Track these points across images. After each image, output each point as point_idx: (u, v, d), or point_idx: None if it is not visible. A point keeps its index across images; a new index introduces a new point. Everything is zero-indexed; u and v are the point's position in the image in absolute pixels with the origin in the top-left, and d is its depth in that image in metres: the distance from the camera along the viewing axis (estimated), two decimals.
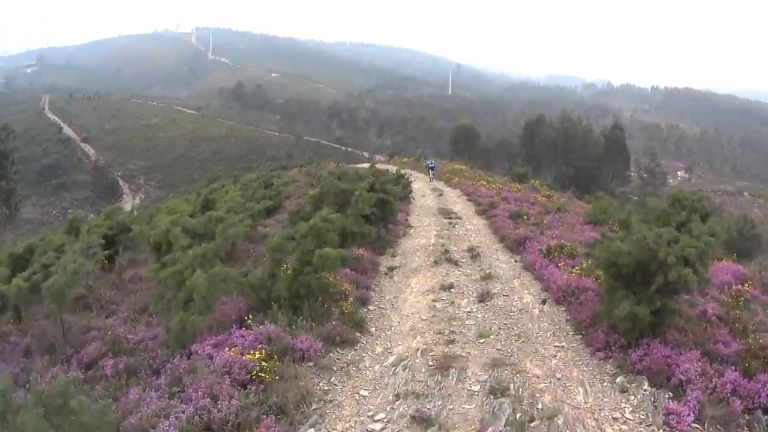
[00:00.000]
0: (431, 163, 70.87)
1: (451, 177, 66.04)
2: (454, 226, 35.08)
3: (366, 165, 78.74)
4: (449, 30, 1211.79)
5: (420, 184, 58.51)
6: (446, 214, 39.59)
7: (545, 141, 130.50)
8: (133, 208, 58.58)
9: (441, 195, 51.95)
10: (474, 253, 27.34)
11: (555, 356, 15.48)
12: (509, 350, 15.88)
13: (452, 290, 21.57)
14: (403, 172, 49.95)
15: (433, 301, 20.37)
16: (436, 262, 25.73)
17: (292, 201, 45.56)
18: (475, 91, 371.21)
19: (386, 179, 34.18)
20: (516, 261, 26.25)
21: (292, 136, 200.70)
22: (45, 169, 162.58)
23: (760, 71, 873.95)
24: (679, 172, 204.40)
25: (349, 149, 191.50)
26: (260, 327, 15.23)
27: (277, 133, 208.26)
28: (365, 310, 19.50)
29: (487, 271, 24.13)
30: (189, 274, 16.19)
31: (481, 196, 47.30)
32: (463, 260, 26.32)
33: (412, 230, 34.02)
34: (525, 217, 36.21)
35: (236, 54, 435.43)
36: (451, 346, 16.12)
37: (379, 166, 68.56)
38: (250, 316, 16.19)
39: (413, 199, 46.57)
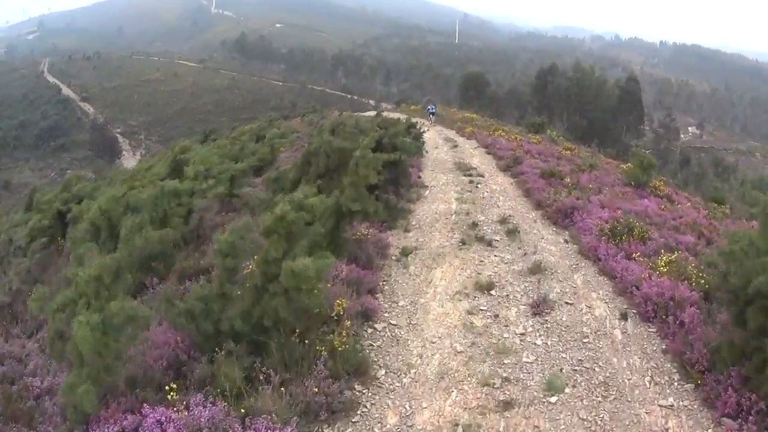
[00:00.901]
0: (432, 108, 71.04)
1: (464, 126, 59.87)
2: (477, 186, 28.72)
3: (372, 113, 73.78)
4: None
5: (432, 134, 52.23)
6: (465, 170, 33.55)
7: (558, 91, 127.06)
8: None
9: (456, 146, 45.93)
10: (509, 227, 20.58)
11: (667, 428, 9.48)
12: (598, 419, 9.71)
13: (492, 292, 14.80)
14: (413, 121, 43.42)
15: (469, 313, 13.65)
16: (463, 242, 18.98)
17: (289, 155, 40.24)
18: (482, 41, 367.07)
19: (396, 131, 27.74)
20: (566, 242, 19.61)
21: (296, 85, 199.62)
22: (43, 131, 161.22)
23: None
24: (690, 128, 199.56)
25: (355, 97, 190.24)
26: (190, 410, 8.97)
27: (281, 83, 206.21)
28: (369, 332, 12.84)
29: (534, 257, 17.35)
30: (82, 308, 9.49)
31: (501, 149, 41.73)
32: (498, 238, 19.52)
33: (427, 192, 27.55)
34: (559, 177, 29.83)
35: (240, 7, 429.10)
36: (507, 414, 9.86)
37: (386, 114, 64.19)
38: (173, 388, 9.40)
39: (426, 152, 39.92)
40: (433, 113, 68.68)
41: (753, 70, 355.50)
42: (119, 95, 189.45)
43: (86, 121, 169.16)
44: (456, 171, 33.59)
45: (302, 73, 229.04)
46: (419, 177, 30.60)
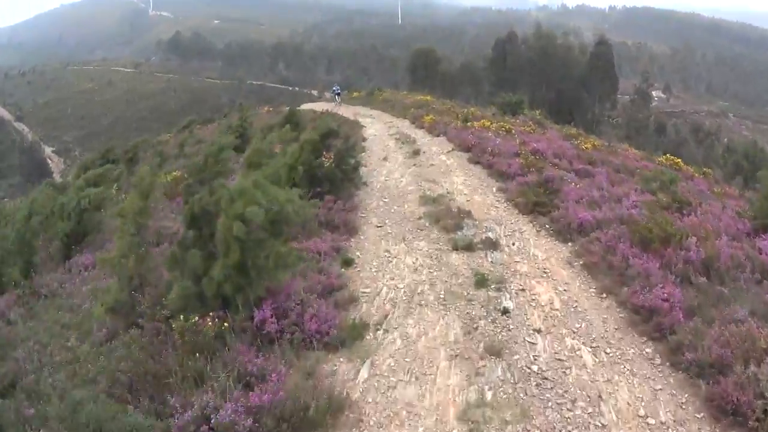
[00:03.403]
0: (337, 89, 68.55)
1: (420, 113, 42.35)
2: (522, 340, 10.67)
3: (311, 105, 66.30)
4: None
5: (377, 129, 38.76)
6: (453, 230, 16.35)
7: (519, 61, 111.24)
8: None
9: (417, 152, 28.39)
10: None
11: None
12: None
13: None
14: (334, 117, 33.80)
15: None
16: None
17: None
18: (426, 19, 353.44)
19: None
20: None
21: (234, 81, 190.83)
22: None
23: None
24: (654, 93, 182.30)
25: (296, 89, 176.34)
26: None
27: (218, 81, 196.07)
28: None
29: None
30: None
31: (496, 155, 24.91)
32: None
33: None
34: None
35: (178, 7, 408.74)
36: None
37: (312, 106, 60.52)
38: None
39: (364, 181, 22.81)
40: (338, 94, 66.70)
41: (711, 27, 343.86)
42: (52, 110, 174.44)
43: (27, 142, 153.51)
44: (435, 237, 16.33)
45: (240, 69, 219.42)
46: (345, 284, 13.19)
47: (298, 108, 59.65)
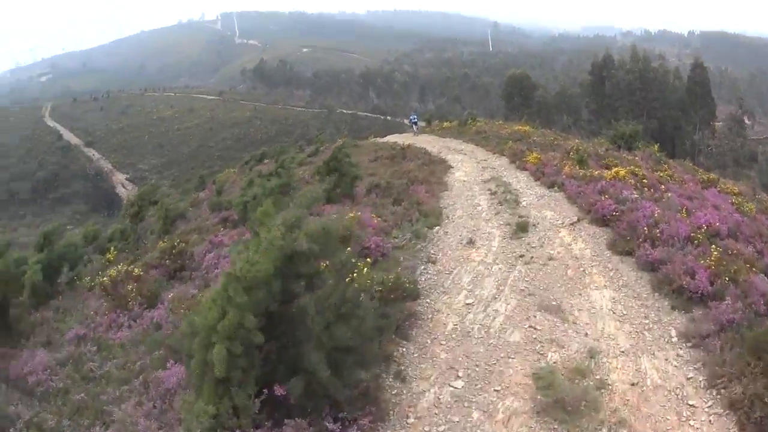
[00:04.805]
0: (414, 118, 67.16)
1: (520, 150, 33.67)
2: None
3: (396, 137, 58.90)
4: None
5: (466, 171, 30.52)
6: None
7: (618, 87, 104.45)
8: None
9: (524, 229, 19.10)
10: None
11: None
12: None
13: None
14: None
15: None
16: None
17: None
18: (516, 47, 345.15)
19: None
20: None
21: (323, 110, 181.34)
22: (40, 182, 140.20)
23: None
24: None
25: (388, 118, 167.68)
26: None
27: (306, 109, 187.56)
28: None
29: None
30: None
31: (656, 239, 16.19)
32: None
33: None
34: None
35: (265, 35, 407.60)
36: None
37: (398, 138, 55.57)
38: None
39: (424, 315, 13.62)
40: (415, 123, 65.10)
41: None
42: (127, 137, 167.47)
43: (91, 169, 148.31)
44: None
45: (329, 97, 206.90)
46: None
47: (381, 139, 58.85)
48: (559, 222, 19.23)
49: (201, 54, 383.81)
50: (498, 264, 15.87)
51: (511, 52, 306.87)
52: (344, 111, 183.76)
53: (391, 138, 58.96)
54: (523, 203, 22.01)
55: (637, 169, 26.08)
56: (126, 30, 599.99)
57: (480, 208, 22.07)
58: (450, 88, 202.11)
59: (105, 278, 18.15)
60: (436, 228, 19.61)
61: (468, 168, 31.17)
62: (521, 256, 16.39)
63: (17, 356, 14.64)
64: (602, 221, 18.31)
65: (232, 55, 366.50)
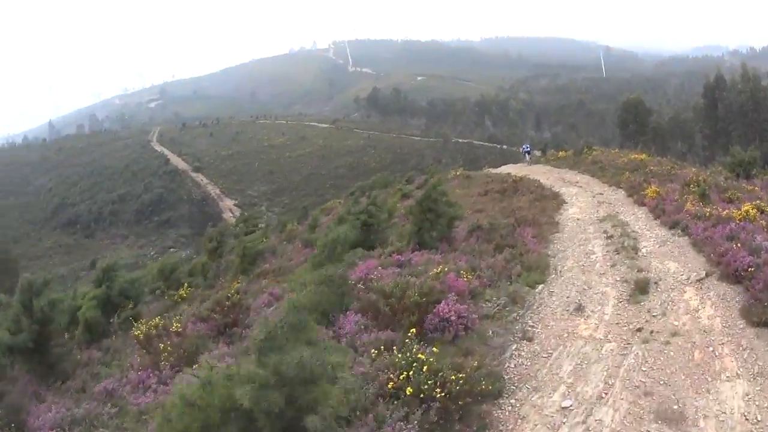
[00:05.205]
0: (527, 147, 68.72)
1: (638, 183, 31.27)
2: None
3: (510, 167, 57.27)
4: (589, 14, 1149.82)
5: (581, 208, 28.49)
6: None
7: (730, 110, 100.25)
8: None
9: (644, 289, 15.57)
10: None
11: None
12: None
13: None
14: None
15: None
16: None
17: None
18: (629, 71, 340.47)
19: None
20: None
21: (438, 139, 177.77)
22: (145, 205, 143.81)
23: None
24: None
25: (504, 147, 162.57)
26: None
27: (421, 138, 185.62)
28: None
29: None
30: None
31: None
32: None
33: None
34: None
35: (378, 63, 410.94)
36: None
37: (512, 168, 54.31)
38: None
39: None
40: (528, 152, 66.26)
41: None
42: (236, 163, 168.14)
43: (197, 194, 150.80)
44: None
45: (445, 126, 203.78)
46: None
47: (495, 170, 56.29)
48: (685, 277, 15.81)
49: (314, 82, 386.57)
50: (610, 342, 12.53)
51: (623, 76, 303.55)
52: (460, 140, 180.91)
53: (505, 168, 56.88)
54: (643, 250, 18.82)
55: (765, 205, 22.38)
56: (237, 58, 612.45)
57: (594, 257, 18.91)
58: (565, 116, 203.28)
59: (138, 331, 16.15)
60: (540, 287, 16.36)
61: (582, 203, 29.08)
62: (639, 329, 13.01)
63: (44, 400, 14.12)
64: (734, 277, 14.72)
65: (345, 83, 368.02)
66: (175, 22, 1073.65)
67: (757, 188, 30.17)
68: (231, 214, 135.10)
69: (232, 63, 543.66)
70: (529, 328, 13.74)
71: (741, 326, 12.53)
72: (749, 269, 14.23)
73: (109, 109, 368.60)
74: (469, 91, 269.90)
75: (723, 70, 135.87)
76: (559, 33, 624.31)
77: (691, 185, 27.56)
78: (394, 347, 10.96)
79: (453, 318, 12.71)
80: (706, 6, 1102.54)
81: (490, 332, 13.03)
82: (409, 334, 11.28)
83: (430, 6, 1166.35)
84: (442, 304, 12.98)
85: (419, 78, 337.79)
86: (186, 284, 27.36)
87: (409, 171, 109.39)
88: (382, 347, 11.21)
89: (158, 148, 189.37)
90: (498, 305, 14.66)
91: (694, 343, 11.99)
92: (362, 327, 13.06)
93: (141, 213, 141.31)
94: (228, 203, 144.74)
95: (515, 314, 14.37)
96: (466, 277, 15.57)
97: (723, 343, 11.86)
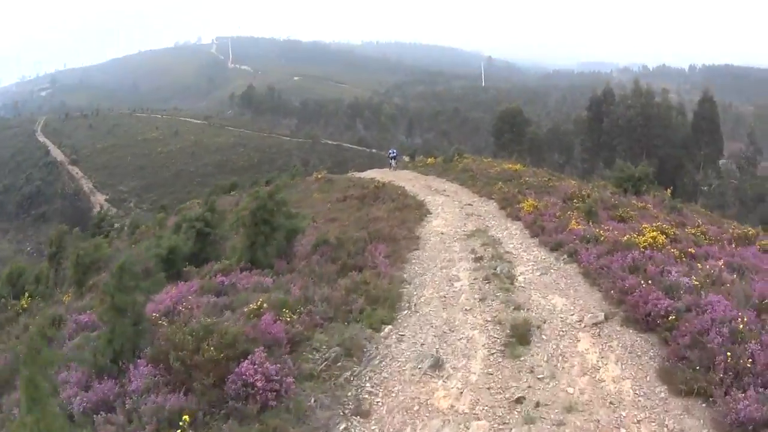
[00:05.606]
0: (393, 152, 66.21)
1: (513, 195, 29.49)
2: None
3: (376, 172, 57.75)
4: (476, 25, 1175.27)
5: (447, 220, 25.93)
6: None
7: (616, 124, 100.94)
8: None
9: (528, 332, 12.37)
10: None
11: None
12: None
13: None
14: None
15: None
16: None
17: None
18: (510, 82, 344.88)
19: None
20: None
21: (308, 140, 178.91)
22: (25, 198, 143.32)
23: None
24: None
25: (374, 151, 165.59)
26: None
27: (291, 138, 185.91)
28: None
29: None
30: None
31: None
32: None
33: None
34: None
35: (258, 61, 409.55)
36: None
37: (377, 173, 54.50)
38: None
39: None
40: (394, 157, 63.54)
41: None
42: (111, 157, 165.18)
43: (71, 188, 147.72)
44: None
45: (316, 127, 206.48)
46: None
47: (360, 174, 57.29)
48: (576, 319, 12.75)
49: (194, 77, 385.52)
50: (479, 419, 9.36)
51: (504, 87, 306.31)
52: (329, 142, 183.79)
53: (370, 173, 56.56)
54: (520, 278, 15.78)
55: (668, 229, 19.63)
56: (126, 49, 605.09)
57: (459, 285, 15.64)
58: (439, 123, 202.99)
59: None
60: (387, 329, 13.04)
61: (449, 215, 26.86)
62: (519, 399, 9.78)
63: None
64: (644, 323, 11.74)
65: (223, 79, 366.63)
66: (73, 11, 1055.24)
67: (649, 206, 28.83)
68: (101, 210, 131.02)
69: (119, 54, 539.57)
70: (367, 396, 10.56)
71: (662, 395, 9.55)
72: (667, 316, 11.24)
73: (5, 97, 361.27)
74: (344, 93, 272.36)
75: (612, 85, 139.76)
76: (444, 42, 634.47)
77: (575, 200, 26.18)
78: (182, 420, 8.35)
79: (259, 383, 9.58)
80: (597, 24, 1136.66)
81: (312, 401, 9.95)
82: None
83: (318, 7, 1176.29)
84: (245, 363, 9.85)
85: (296, 78, 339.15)
86: (27, 294, 24.51)
87: (275, 171, 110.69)
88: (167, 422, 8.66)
89: (41, 138, 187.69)
90: (327, 359, 11.36)
91: (599, 422, 8.94)
92: (152, 385, 9.94)
93: (21, 206, 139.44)
94: (99, 198, 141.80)
95: (349, 373, 11.16)
96: (289, 317, 12.46)
97: (639, 422, 8.88)
